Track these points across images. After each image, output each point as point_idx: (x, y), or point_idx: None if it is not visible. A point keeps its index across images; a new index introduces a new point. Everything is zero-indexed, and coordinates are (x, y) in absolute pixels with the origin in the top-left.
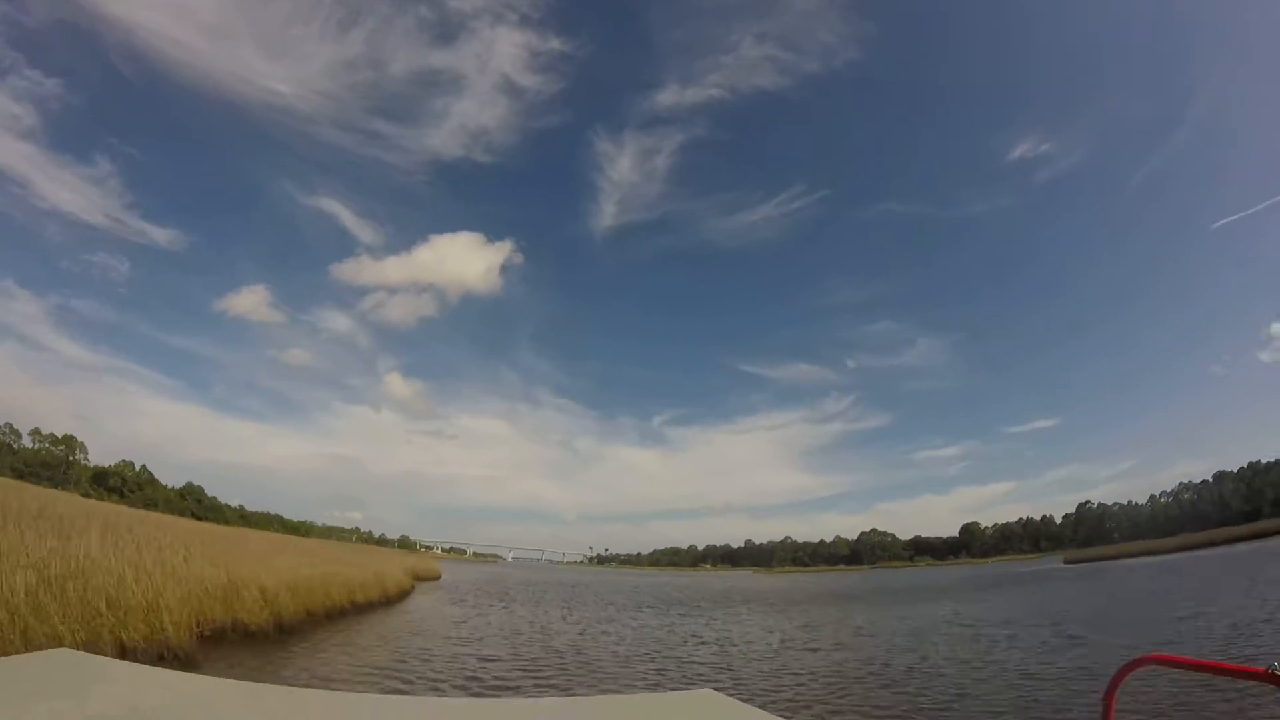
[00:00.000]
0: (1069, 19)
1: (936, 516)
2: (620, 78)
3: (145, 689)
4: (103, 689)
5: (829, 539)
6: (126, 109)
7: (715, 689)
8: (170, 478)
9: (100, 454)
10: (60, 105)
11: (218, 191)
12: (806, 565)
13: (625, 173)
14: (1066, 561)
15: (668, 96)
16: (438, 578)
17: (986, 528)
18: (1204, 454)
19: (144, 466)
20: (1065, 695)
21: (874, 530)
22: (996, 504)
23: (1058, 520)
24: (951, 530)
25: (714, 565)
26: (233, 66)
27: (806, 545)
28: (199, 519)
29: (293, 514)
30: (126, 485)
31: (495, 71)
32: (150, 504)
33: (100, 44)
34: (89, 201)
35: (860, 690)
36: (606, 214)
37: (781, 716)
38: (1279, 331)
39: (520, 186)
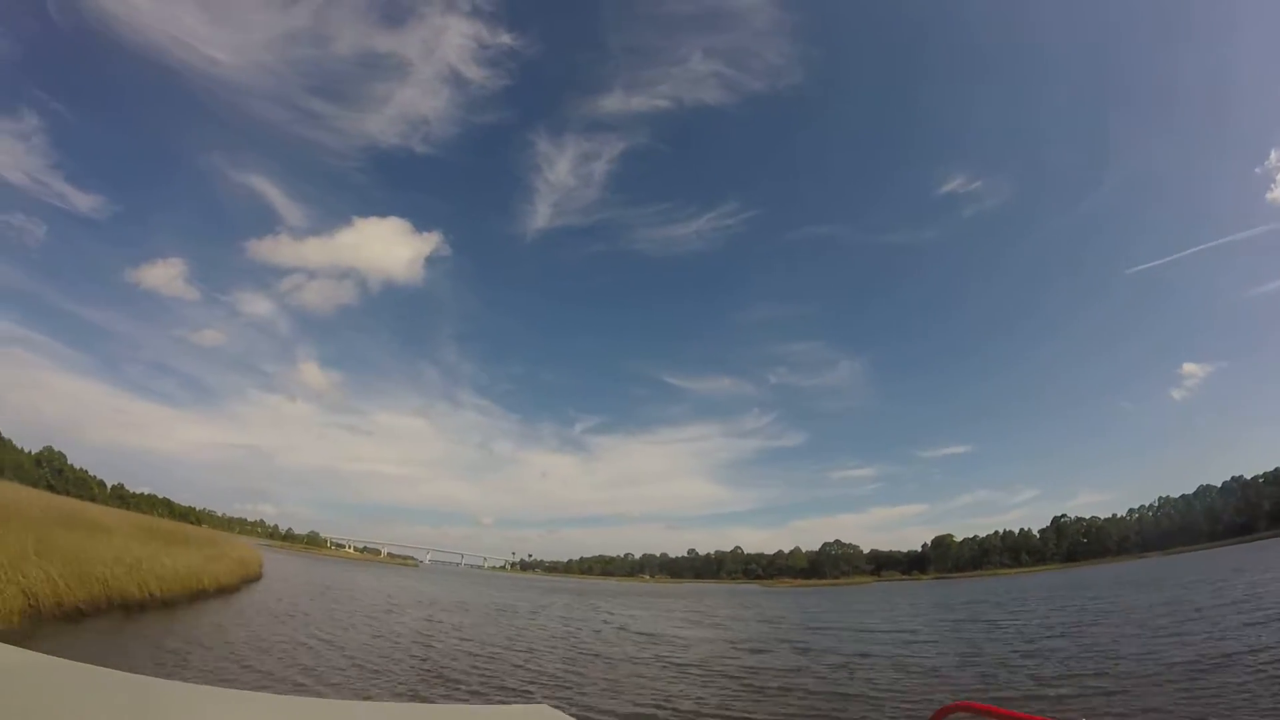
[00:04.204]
0: (1011, 63)
1: (851, 535)
2: (567, 79)
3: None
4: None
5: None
6: (60, 63)
7: (552, 705)
8: (78, 462)
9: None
10: None
11: (144, 157)
12: (760, 577)
13: (563, 175)
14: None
15: (612, 102)
16: (254, 578)
17: (960, 540)
18: (1107, 486)
19: None
20: None
21: (836, 541)
22: (908, 524)
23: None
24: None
25: (653, 575)
26: (174, 29)
27: (759, 557)
28: (55, 491)
29: (202, 504)
30: None
31: (441, 61)
32: None
33: None
34: (11, 159)
35: None
36: (540, 215)
37: None
38: (1191, 371)
39: (455, 180)
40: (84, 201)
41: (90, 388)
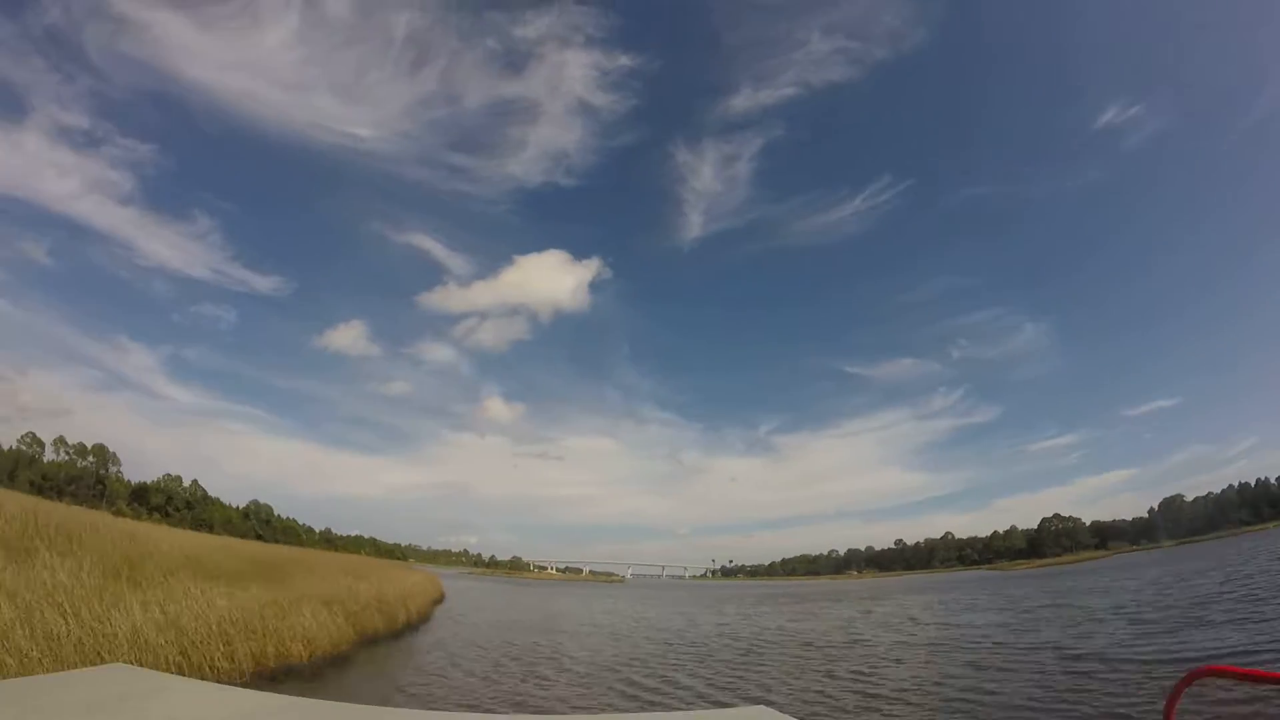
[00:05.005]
0: None
1: (1058, 510)
2: (692, 87)
3: (197, 703)
4: (156, 704)
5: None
6: (217, 167)
7: (768, 705)
8: (290, 512)
9: (220, 492)
10: (155, 169)
11: (312, 234)
12: (975, 563)
13: (707, 181)
14: None
15: (742, 101)
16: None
17: (1190, 500)
18: None
19: (195, 482)
20: None
21: (1055, 515)
22: (1117, 492)
23: None
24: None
25: (860, 571)
26: (312, 116)
27: (973, 541)
28: (263, 539)
29: (408, 540)
30: (172, 503)
31: (568, 94)
32: (201, 525)
33: (186, 108)
34: (192, 256)
35: None
36: (693, 224)
37: None
38: None
39: (604, 205)
40: (264, 283)
41: (294, 446)
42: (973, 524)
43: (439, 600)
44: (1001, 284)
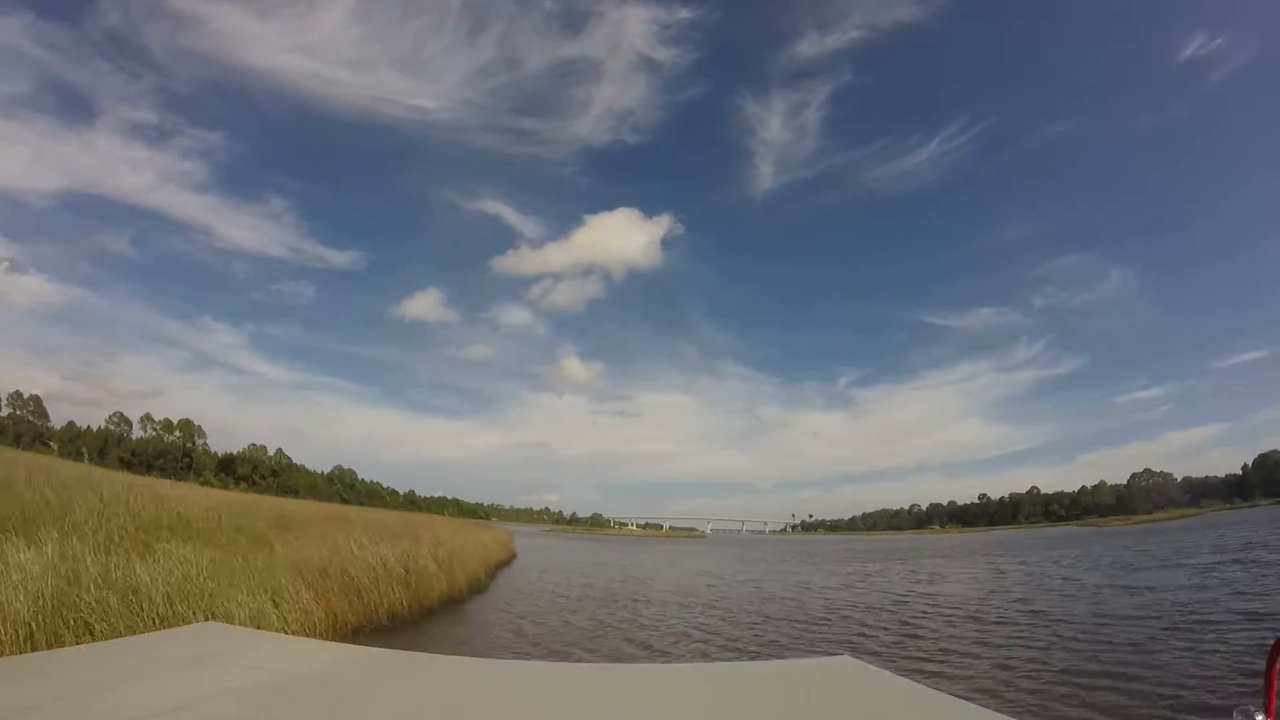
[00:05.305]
0: None
1: (1144, 466)
2: (755, 36)
3: (286, 657)
4: (248, 658)
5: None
6: (287, 149)
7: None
8: (376, 476)
9: (310, 461)
10: (226, 155)
11: (385, 209)
12: (1061, 519)
13: (776, 132)
14: None
15: (808, 47)
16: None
17: None
18: None
19: (279, 450)
20: None
21: (1146, 470)
22: (1206, 448)
23: None
24: None
25: (943, 526)
26: (376, 92)
27: (1060, 496)
28: (346, 503)
29: (490, 499)
30: (258, 472)
31: (630, 52)
32: (288, 491)
33: (250, 95)
34: (269, 237)
35: None
36: (764, 176)
37: (922, 685)
38: None
39: (672, 161)
40: (340, 258)
41: (379, 414)
42: (1056, 479)
43: (506, 562)
44: (1084, 228)
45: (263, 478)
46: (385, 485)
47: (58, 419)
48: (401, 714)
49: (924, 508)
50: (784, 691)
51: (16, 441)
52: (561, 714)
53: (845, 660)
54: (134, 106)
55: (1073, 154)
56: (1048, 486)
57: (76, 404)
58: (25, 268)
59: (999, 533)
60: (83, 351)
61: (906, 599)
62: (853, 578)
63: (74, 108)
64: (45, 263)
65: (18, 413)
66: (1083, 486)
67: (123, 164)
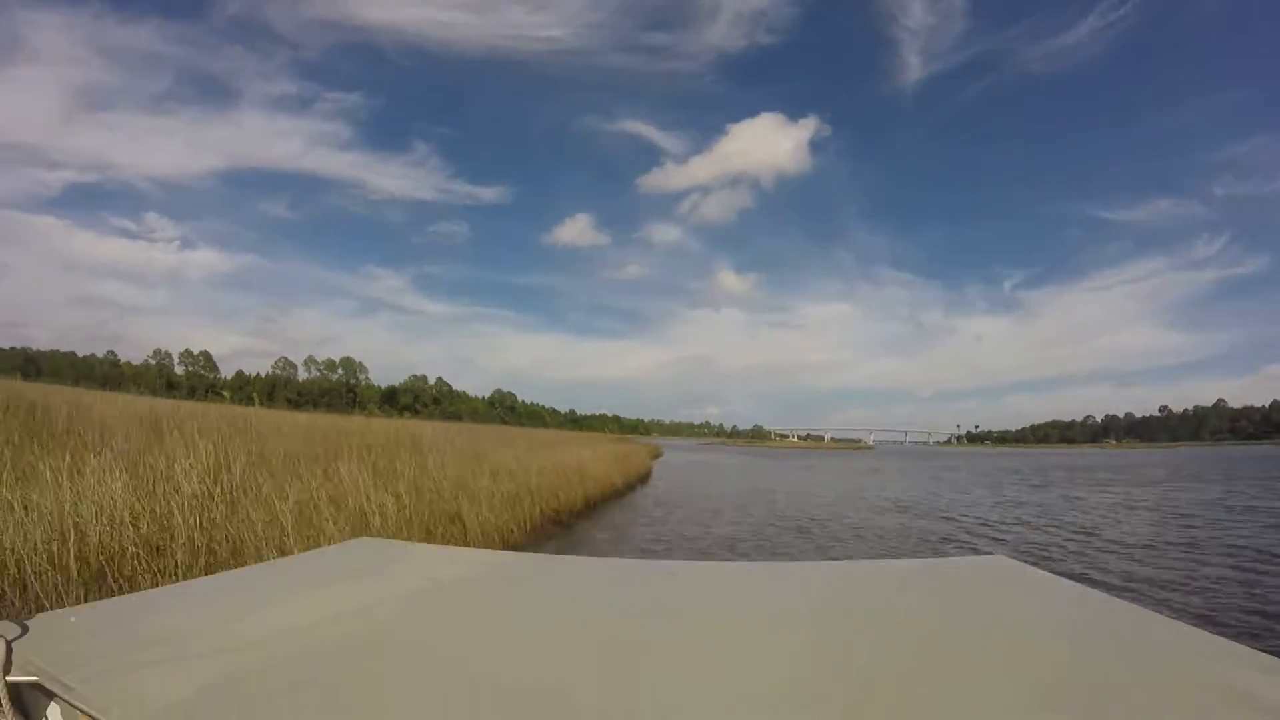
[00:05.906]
0: None
1: None
2: None
3: (442, 565)
4: (405, 566)
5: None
6: (423, 97)
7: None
8: (540, 398)
9: (479, 388)
10: (366, 112)
11: (527, 141)
12: (1253, 437)
13: (920, 17)
14: None
15: None
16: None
17: None
18: None
19: (440, 379)
20: None
21: None
22: None
23: None
24: None
25: (1119, 440)
26: (503, 30)
27: (1250, 411)
28: (506, 424)
29: (652, 415)
30: (420, 400)
31: None
32: (450, 417)
33: (380, 52)
34: (418, 182)
35: None
36: (911, 67)
37: (1083, 585)
38: None
39: (812, 59)
40: (489, 194)
41: (541, 339)
42: (1238, 392)
43: (636, 483)
44: (1272, 105)
45: (425, 405)
46: (546, 406)
47: (246, 372)
48: (554, 612)
49: (1099, 419)
50: (935, 588)
51: (191, 394)
52: (714, 611)
53: (999, 559)
54: (272, 81)
55: (1256, 15)
56: (1231, 399)
57: (260, 357)
58: (195, 244)
59: (1189, 449)
60: (259, 310)
61: (1185, 546)
62: (1104, 512)
63: (216, 93)
64: (214, 236)
65: (189, 369)
66: (1274, 401)
67: (271, 136)
